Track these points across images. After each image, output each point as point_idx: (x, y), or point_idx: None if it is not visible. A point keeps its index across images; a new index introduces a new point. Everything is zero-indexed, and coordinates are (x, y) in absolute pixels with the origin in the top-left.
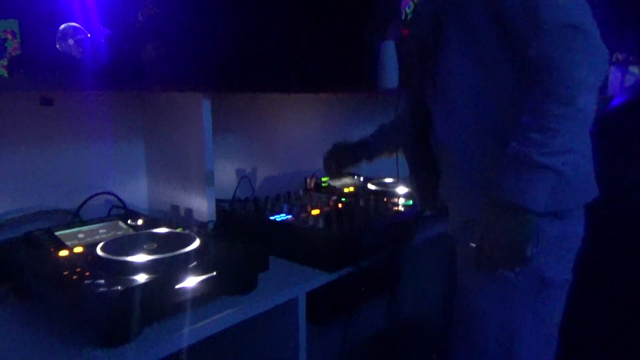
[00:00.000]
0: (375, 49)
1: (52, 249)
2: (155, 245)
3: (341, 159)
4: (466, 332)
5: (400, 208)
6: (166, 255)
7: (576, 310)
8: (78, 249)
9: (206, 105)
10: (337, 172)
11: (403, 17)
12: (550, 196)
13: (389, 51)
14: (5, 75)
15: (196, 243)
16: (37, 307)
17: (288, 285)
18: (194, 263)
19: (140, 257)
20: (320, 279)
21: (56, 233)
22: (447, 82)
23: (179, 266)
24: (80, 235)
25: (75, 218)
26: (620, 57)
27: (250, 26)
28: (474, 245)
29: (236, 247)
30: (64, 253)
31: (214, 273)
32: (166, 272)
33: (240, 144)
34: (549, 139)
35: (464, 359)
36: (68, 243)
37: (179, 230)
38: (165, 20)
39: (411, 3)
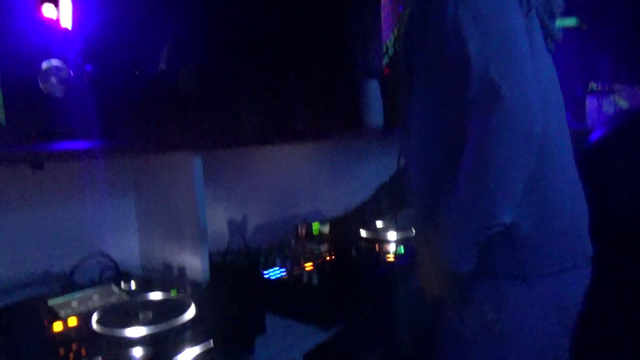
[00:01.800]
0: (359, 87)
1: (45, 322)
2: (151, 315)
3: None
4: (438, 353)
5: (391, 258)
6: (162, 327)
7: None
8: (72, 321)
9: (197, 162)
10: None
11: (384, 50)
12: (484, 256)
13: (373, 90)
14: None
15: (192, 310)
16: None
17: (285, 347)
18: (190, 332)
19: (137, 331)
20: (317, 337)
21: (50, 303)
22: (417, 123)
23: (176, 338)
24: (74, 304)
25: (68, 282)
26: (596, 86)
27: (236, 81)
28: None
29: (232, 311)
30: (58, 327)
31: (211, 343)
32: (163, 345)
33: (229, 192)
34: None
35: None
36: (62, 313)
37: (173, 293)
38: (152, 82)
39: (391, 35)
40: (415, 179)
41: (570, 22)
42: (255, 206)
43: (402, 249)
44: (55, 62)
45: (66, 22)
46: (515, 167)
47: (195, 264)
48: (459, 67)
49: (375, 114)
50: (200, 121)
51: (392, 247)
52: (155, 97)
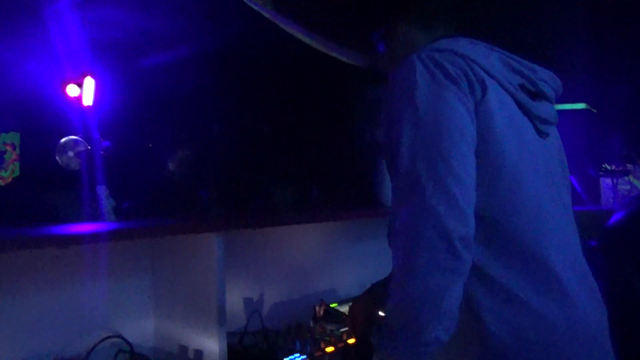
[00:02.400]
0: (374, 166)
1: None
2: None
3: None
4: None
5: None
6: None
7: None
8: None
9: (219, 243)
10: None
11: None
12: None
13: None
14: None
15: None
16: None
17: None
18: None
19: None
20: None
21: None
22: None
23: None
24: None
25: None
26: (610, 167)
27: (257, 161)
28: None
29: None
30: None
31: None
32: None
33: (245, 272)
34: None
35: None
36: None
37: None
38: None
39: None
40: None
41: (580, 105)
42: (272, 285)
43: None
44: (73, 137)
45: (88, 101)
46: (436, 273)
47: (212, 346)
48: (394, 155)
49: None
50: (221, 201)
51: None
52: (171, 176)
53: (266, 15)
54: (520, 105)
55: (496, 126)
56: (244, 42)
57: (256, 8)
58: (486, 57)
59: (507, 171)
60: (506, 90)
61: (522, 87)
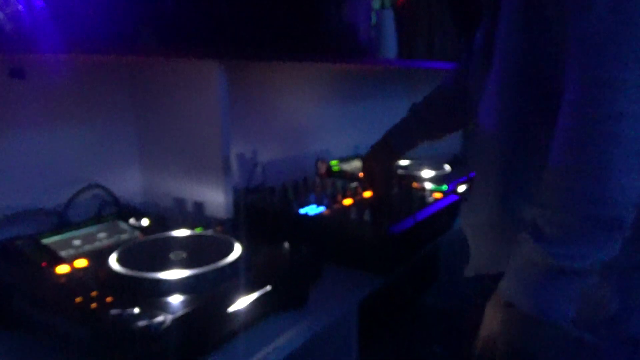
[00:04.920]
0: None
1: (44, 264)
2: (185, 255)
3: (384, 159)
4: None
5: (438, 194)
6: (209, 268)
7: None
8: (81, 263)
9: (221, 76)
10: (385, 178)
11: None
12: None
13: (388, 20)
14: None
15: (237, 249)
16: (34, 342)
17: (338, 295)
18: (243, 276)
19: (176, 273)
20: (372, 284)
21: (43, 241)
22: (502, 57)
23: (227, 282)
24: (76, 243)
25: (61, 220)
26: None
27: None
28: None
29: (284, 252)
30: (63, 269)
31: (269, 288)
32: (212, 291)
33: (239, 126)
34: (574, 235)
35: None
36: (63, 254)
37: (199, 230)
38: None
39: None
40: (505, 113)
41: None
42: (267, 145)
43: (444, 186)
44: None
45: None
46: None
47: (216, 198)
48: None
49: (389, 44)
50: (221, 28)
51: (428, 184)
52: None
53: None
54: None
55: None
56: None
57: None
58: None
59: None
60: None
61: None
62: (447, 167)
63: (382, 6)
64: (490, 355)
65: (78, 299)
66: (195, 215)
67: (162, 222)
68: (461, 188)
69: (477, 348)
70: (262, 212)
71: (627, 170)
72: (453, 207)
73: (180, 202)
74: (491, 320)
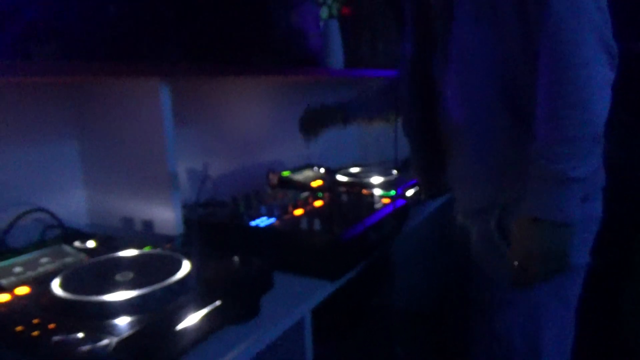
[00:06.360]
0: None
1: None
2: (132, 275)
3: (317, 120)
4: (488, 323)
5: (386, 199)
6: (155, 287)
7: (593, 293)
8: (22, 290)
9: (164, 92)
10: (312, 134)
11: None
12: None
13: (334, 30)
14: None
15: (186, 266)
16: None
17: (290, 303)
18: (192, 293)
19: (122, 295)
20: (324, 290)
21: None
22: (461, 52)
23: (175, 300)
24: (17, 270)
25: (1, 246)
26: None
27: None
28: (516, 263)
29: (234, 265)
30: (3, 297)
31: (218, 302)
32: (160, 310)
33: (189, 138)
34: (575, 149)
35: (486, 350)
36: (3, 282)
37: (147, 249)
38: None
39: None
40: (470, 102)
41: None
42: (216, 158)
43: (392, 192)
44: None
45: None
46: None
47: (165, 215)
48: None
49: (336, 55)
50: (163, 43)
51: (377, 191)
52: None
53: None
54: None
55: None
56: None
57: None
58: None
59: None
60: None
61: None
62: (395, 173)
63: (330, 15)
64: (528, 264)
65: (19, 328)
66: (144, 234)
67: (110, 243)
68: (409, 192)
69: (513, 265)
70: (212, 226)
71: (599, 100)
72: (401, 211)
73: (128, 222)
74: (522, 238)
